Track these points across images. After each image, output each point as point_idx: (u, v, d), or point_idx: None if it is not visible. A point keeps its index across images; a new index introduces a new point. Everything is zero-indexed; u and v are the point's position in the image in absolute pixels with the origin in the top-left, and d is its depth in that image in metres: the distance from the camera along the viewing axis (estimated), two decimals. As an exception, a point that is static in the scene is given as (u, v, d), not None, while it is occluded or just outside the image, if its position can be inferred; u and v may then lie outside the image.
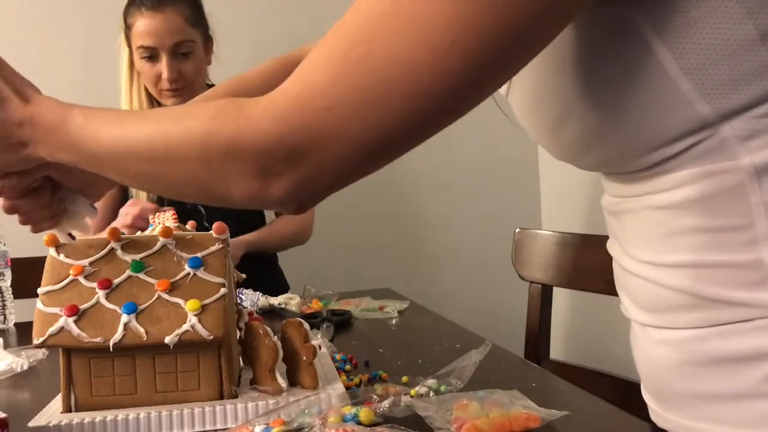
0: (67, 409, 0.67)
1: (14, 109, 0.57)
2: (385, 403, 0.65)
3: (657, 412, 0.60)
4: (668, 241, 0.52)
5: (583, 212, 2.04)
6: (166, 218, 0.80)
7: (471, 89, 0.46)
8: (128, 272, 0.69)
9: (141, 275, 0.69)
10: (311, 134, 0.46)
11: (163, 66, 1.46)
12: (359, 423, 0.62)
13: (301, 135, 0.47)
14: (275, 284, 1.60)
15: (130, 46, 1.52)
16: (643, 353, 0.60)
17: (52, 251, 0.70)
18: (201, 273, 0.69)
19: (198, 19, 1.52)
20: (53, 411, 0.67)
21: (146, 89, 1.55)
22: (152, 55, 1.47)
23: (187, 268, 0.69)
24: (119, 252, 0.71)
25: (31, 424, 0.64)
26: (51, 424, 0.63)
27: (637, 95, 0.49)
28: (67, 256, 0.70)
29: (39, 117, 0.57)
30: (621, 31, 0.48)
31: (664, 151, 0.50)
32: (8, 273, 1.27)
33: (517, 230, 1.36)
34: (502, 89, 0.61)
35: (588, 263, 1.19)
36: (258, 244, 1.53)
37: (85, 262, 0.69)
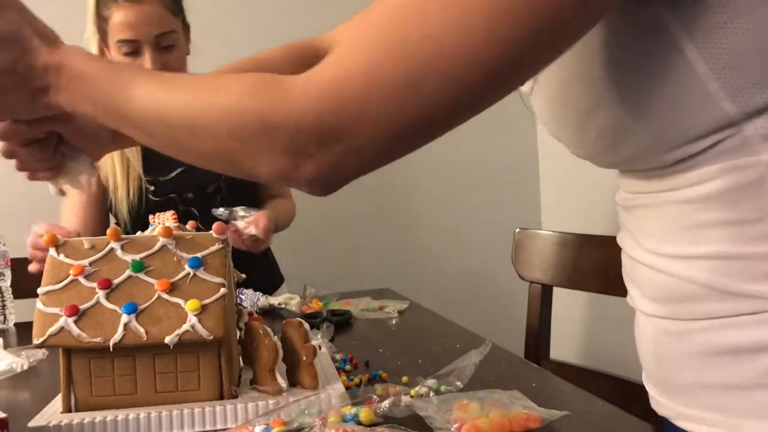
0: (67, 409, 0.67)
1: (40, 53, 0.57)
2: (385, 403, 0.65)
3: (658, 401, 0.61)
4: (688, 234, 0.53)
5: (583, 212, 2.04)
6: (166, 218, 0.80)
7: (507, 77, 0.46)
8: (128, 272, 0.69)
9: (141, 275, 0.69)
10: (346, 116, 0.46)
11: (146, 61, 1.33)
12: (359, 423, 0.62)
13: (337, 116, 0.46)
14: (272, 275, 1.59)
15: (104, 39, 1.39)
16: (648, 344, 0.60)
17: (52, 251, 0.70)
18: (201, 273, 0.69)
19: (178, 7, 1.41)
20: (53, 411, 0.67)
21: None
22: (134, 50, 1.35)
23: (187, 268, 0.69)
24: (119, 252, 0.71)
25: (31, 424, 0.64)
26: (51, 424, 0.63)
27: (665, 92, 0.50)
28: (67, 256, 0.70)
29: (68, 64, 0.56)
30: (651, 30, 0.49)
31: (688, 148, 0.51)
32: (8, 273, 1.27)
33: (517, 230, 1.36)
34: (526, 85, 0.61)
35: (588, 263, 1.19)
36: (274, 220, 1.45)
37: (85, 262, 0.69)
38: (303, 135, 0.47)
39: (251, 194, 1.61)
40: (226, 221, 1.40)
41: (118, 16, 1.34)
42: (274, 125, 0.48)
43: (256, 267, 1.52)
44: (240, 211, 1.38)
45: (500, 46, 0.44)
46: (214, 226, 0.73)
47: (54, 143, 0.65)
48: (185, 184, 1.48)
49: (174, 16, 1.39)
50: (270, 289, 1.44)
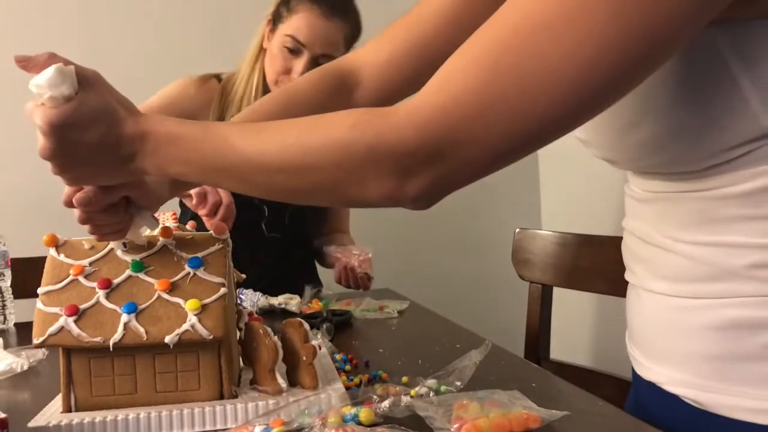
0: (67, 409, 0.67)
1: (127, 123, 0.60)
2: (385, 403, 0.65)
3: (646, 366, 0.67)
4: (712, 226, 0.58)
5: (583, 212, 2.04)
6: (166, 218, 0.80)
7: (606, 100, 0.50)
8: (128, 272, 0.69)
9: (141, 275, 0.69)
10: (452, 140, 0.50)
11: (299, 65, 1.40)
12: (359, 423, 0.62)
13: (442, 140, 0.50)
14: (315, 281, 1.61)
15: (274, 22, 1.44)
16: (649, 317, 0.66)
17: (52, 251, 0.70)
18: (201, 273, 0.69)
19: (352, 41, 1.46)
20: (53, 411, 0.67)
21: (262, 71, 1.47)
22: (295, 49, 1.40)
23: (187, 268, 0.69)
24: (119, 252, 0.71)
25: (31, 424, 0.64)
26: (51, 424, 0.63)
27: (709, 106, 0.54)
28: (67, 256, 0.70)
29: (154, 130, 0.60)
30: (702, 48, 0.53)
31: (723, 156, 0.55)
32: (8, 273, 1.27)
33: (517, 230, 1.36)
34: None
35: (588, 263, 1.19)
36: None
37: (85, 262, 0.69)
38: (408, 158, 0.51)
39: (321, 218, 1.64)
40: (331, 260, 1.48)
41: (305, 17, 1.40)
42: (381, 152, 0.52)
43: (304, 272, 1.54)
44: (353, 250, 1.46)
45: (606, 69, 0.47)
46: (215, 226, 0.73)
47: (124, 206, 0.68)
48: None
49: (344, 47, 1.44)
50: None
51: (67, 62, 0.59)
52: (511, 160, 0.52)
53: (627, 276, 0.72)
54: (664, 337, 0.64)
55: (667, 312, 0.63)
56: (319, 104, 0.77)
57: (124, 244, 0.71)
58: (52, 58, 0.59)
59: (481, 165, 0.52)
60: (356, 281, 1.42)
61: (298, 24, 1.40)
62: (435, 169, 0.51)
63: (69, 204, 0.65)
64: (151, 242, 0.72)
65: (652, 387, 0.66)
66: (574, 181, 2.07)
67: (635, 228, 0.68)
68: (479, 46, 0.50)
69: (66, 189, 0.65)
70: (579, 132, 0.67)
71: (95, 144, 0.59)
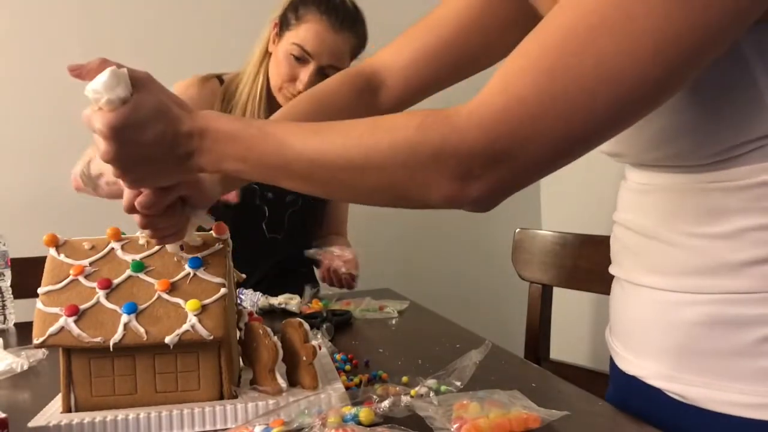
0: (67, 409, 0.67)
1: (184, 121, 0.60)
2: (385, 403, 0.65)
3: (629, 360, 0.68)
4: (711, 217, 0.59)
5: (583, 212, 2.04)
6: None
7: (666, 94, 0.51)
8: (128, 272, 0.69)
9: (141, 275, 0.69)
10: (515, 141, 0.51)
11: (304, 74, 1.40)
12: (359, 423, 0.62)
13: (505, 142, 0.51)
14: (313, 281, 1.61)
15: (281, 28, 1.43)
16: (636, 311, 0.67)
17: (52, 251, 0.70)
18: (201, 273, 0.69)
19: (357, 52, 1.46)
20: (53, 411, 0.67)
21: (266, 76, 1.47)
22: (302, 58, 1.40)
23: (187, 268, 0.69)
24: (119, 252, 0.71)
25: (31, 424, 0.64)
26: (51, 424, 0.63)
27: (725, 102, 0.56)
28: (67, 256, 0.70)
29: (212, 127, 0.60)
30: None
31: (731, 151, 0.56)
32: (8, 273, 1.27)
33: (517, 230, 1.36)
34: None
35: (588, 263, 1.19)
36: None
37: (85, 262, 0.69)
38: (472, 160, 0.52)
39: (318, 221, 1.65)
40: (315, 261, 1.48)
41: (313, 27, 1.39)
42: (446, 154, 0.52)
43: (303, 273, 1.55)
44: (335, 250, 1.45)
45: (663, 65, 0.48)
46: (215, 226, 0.73)
47: (180, 207, 0.68)
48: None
49: (350, 58, 1.44)
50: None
51: (119, 65, 0.60)
52: (572, 158, 0.53)
53: (612, 269, 0.73)
54: (650, 331, 0.65)
55: (654, 306, 0.64)
56: (349, 107, 0.80)
57: (181, 247, 0.71)
58: (104, 63, 0.60)
59: (543, 164, 0.53)
60: (340, 281, 1.43)
61: (306, 34, 1.39)
62: (498, 170, 0.52)
63: (131, 209, 0.65)
64: (150, 242, 0.72)
65: (633, 381, 0.67)
66: (574, 181, 2.07)
67: (629, 221, 0.69)
68: (538, 47, 0.51)
69: (126, 195, 0.65)
70: None
71: (154, 143, 0.60)
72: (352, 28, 1.42)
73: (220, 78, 1.53)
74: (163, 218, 0.67)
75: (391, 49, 0.83)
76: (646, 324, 0.65)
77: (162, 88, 0.62)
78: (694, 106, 0.57)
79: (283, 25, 1.44)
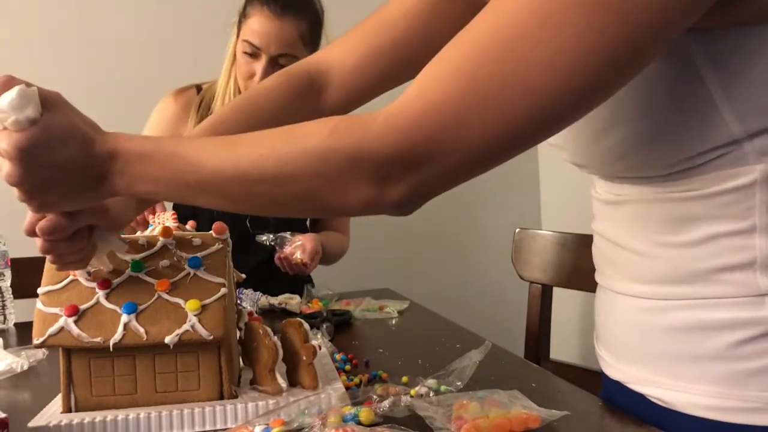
0: (67, 409, 0.67)
1: (95, 143, 0.57)
2: (385, 403, 0.65)
3: (613, 365, 0.69)
4: (678, 225, 0.59)
5: (583, 212, 2.04)
6: (166, 218, 0.80)
7: (585, 106, 0.51)
8: (128, 272, 0.69)
9: (141, 275, 0.69)
10: (432, 146, 0.50)
11: (258, 68, 1.41)
12: (359, 423, 0.62)
13: (422, 147, 0.50)
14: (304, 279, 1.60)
15: (238, 31, 1.46)
16: (617, 318, 0.68)
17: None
18: (201, 273, 0.69)
19: (312, 39, 1.45)
20: (53, 411, 0.67)
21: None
22: (253, 53, 1.41)
23: (187, 268, 0.69)
24: (119, 252, 0.71)
25: (31, 424, 0.64)
26: (51, 424, 0.63)
27: (681, 113, 0.55)
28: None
29: (122, 149, 0.57)
30: (675, 54, 0.54)
31: (691, 161, 0.56)
32: (8, 273, 1.27)
33: (517, 230, 1.36)
34: None
35: (588, 263, 1.18)
36: (323, 247, 1.48)
37: (85, 262, 0.69)
38: (388, 165, 0.51)
39: (305, 228, 1.63)
40: (273, 248, 1.44)
41: (256, 21, 1.40)
42: (361, 159, 0.51)
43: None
44: (287, 236, 1.42)
45: (586, 76, 0.47)
46: (214, 226, 0.73)
47: (87, 232, 0.65)
48: None
49: (303, 45, 1.43)
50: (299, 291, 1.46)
51: (28, 84, 0.55)
52: (491, 165, 0.52)
53: (596, 277, 0.73)
54: (630, 338, 0.65)
55: (634, 313, 0.64)
56: (286, 107, 0.77)
57: (89, 273, 0.69)
58: (10, 81, 0.56)
59: (461, 171, 0.52)
60: (291, 267, 1.40)
61: (251, 27, 1.41)
62: (415, 174, 0.51)
63: (32, 233, 0.62)
64: (150, 242, 0.72)
65: (619, 386, 0.67)
66: (574, 181, 2.07)
67: (603, 230, 0.69)
68: (459, 53, 0.50)
69: (28, 217, 0.62)
70: (559, 138, 0.67)
71: (64, 166, 0.56)
72: (297, 13, 1.41)
73: (199, 87, 1.55)
74: (68, 244, 0.63)
75: (338, 48, 0.80)
76: (626, 330, 0.66)
77: (73, 109, 0.59)
78: (650, 118, 0.57)
79: (239, 26, 1.46)
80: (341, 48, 0.79)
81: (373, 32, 0.77)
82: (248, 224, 1.51)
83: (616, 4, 0.45)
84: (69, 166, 0.57)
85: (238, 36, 1.46)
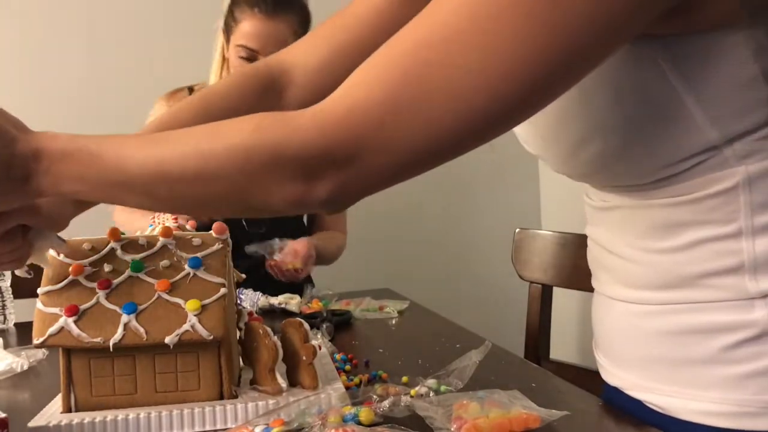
0: (67, 409, 0.67)
1: (18, 142, 0.55)
2: (385, 403, 0.65)
3: (611, 372, 0.69)
4: (665, 231, 0.59)
5: (583, 212, 2.04)
6: (166, 218, 0.80)
7: (518, 113, 0.50)
8: (128, 272, 0.69)
9: (141, 275, 0.69)
10: (358, 145, 0.49)
11: None
12: (359, 423, 0.62)
13: (349, 145, 0.49)
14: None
15: (227, 37, 1.45)
16: (612, 323, 0.67)
17: (51, 251, 0.70)
18: (201, 273, 0.69)
19: (303, 32, 1.44)
20: (53, 411, 0.67)
21: None
22: (250, 57, 1.40)
23: (187, 268, 0.69)
24: (119, 252, 0.71)
25: (31, 424, 0.64)
26: (51, 424, 0.63)
27: (656, 121, 0.55)
28: (67, 256, 0.70)
29: (46, 147, 0.55)
30: (644, 65, 0.54)
31: (671, 169, 0.56)
32: (8, 273, 1.27)
33: (517, 230, 1.36)
34: None
35: (588, 263, 1.19)
36: (318, 249, 1.48)
37: (85, 262, 0.69)
38: (314, 161, 0.50)
39: (302, 224, 1.62)
40: (263, 257, 1.42)
41: (248, 24, 1.40)
42: (285, 156, 0.50)
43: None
44: (276, 243, 1.40)
45: (518, 83, 0.46)
46: (214, 226, 0.73)
47: (20, 232, 0.63)
48: None
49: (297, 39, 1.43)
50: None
51: None
52: (422, 169, 0.51)
53: (592, 282, 0.72)
54: (626, 343, 0.65)
55: (628, 318, 0.64)
56: (242, 108, 0.73)
57: (29, 272, 0.68)
58: None
59: (389, 172, 0.51)
60: (282, 273, 1.40)
61: (244, 31, 1.40)
62: (341, 172, 0.50)
63: None
64: (150, 242, 0.72)
65: (617, 392, 0.67)
66: (573, 181, 2.07)
67: (595, 236, 0.69)
68: (389, 55, 0.50)
69: None
70: (530, 147, 0.67)
71: None
72: (287, 10, 1.41)
73: (191, 89, 1.55)
74: (1, 245, 0.62)
75: (301, 47, 0.78)
76: (621, 336, 0.66)
77: None
78: (625, 129, 0.57)
79: (227, 31, 1.45)
80: (304, 47, 0.78)
81: (337, 32, 0.76)
82: (243, 221, 1.50)
83: (551, 12, 0.44)
84: None
85: (228, 41, 1.45)
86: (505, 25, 0.45)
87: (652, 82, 0.54)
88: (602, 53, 0.48)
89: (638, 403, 0.64)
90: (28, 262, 0.67)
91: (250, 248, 1.42)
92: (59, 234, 0.68)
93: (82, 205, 0.68)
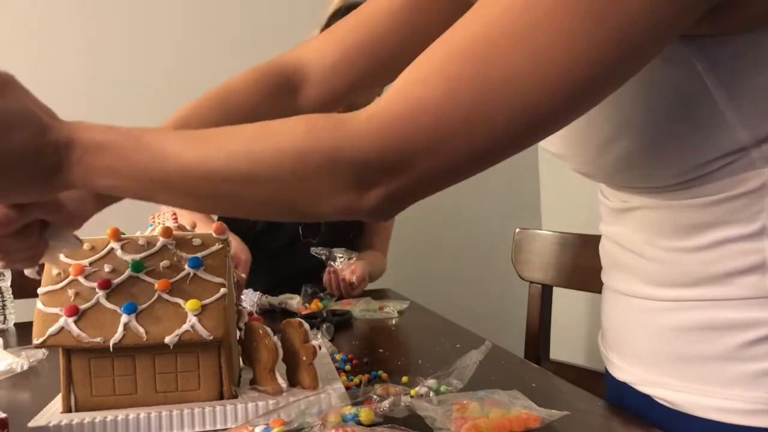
0: (67, 409, 0.67)
1: (51, 130, 0.52)
2: (385, 403, 0.65)
3: (620, 367, 0.68)
4: (689, 231, 0.59)
5: (583, 212, 2.04)
6: (166, 218, 0.80)
7: (572, 110, 0.49)
8: (128, 272, 0.69)
9: (141, 275, 0.69)
10: (414, 149, 0.48)
11: None
12: (359, 423, 0.62)
13: (404, 150, 0.48)
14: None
15: None
16: (625, 319, 0.67)
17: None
18: (201, 273, 0.69)
19: None
20: (53, 411, 0.67)
21: None
22: None
23: (187, 268, 0.69)
24: (119, 252, 0.71)
25: (31, 424, 0.64)
26: (51, 424, 0.63)
27: (686, 121, 0.54)
28: (67, 256, 0.70)
29: (80, 138, 0.53)
30: (677, 63, 0.53)
31: (699, 170, 0.56)
32: (8, 273, 1.27)
33: (517, 230, 1.36)
34: None
35: (588, 263, 1.19)
36: (369, 273, 1.47)
37: (85, 262, 0.69)
38: (368, 168, 0.49)
39: (358, 230, 1.64)
40: (325, 262, 1.44)
41: None
42: (340, 161, 0.48)
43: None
44: (338, 253, 1.42)
45: (574, 79, 0.46)
46: (214, 226, 0.73)
47: (38, 228, 0.60)
48: None
49: None
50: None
51: None
52: (474, 171, 0.51)
53: (603, 277, 0.72)
54: (637, 339, 0.65)
55: (641, 314, 0.64)
56: (259, 104, 0.74)
57: (39, 272, 0.67)
58: None
59: (443, 177, 0.50)
60: (338, 286, 1.40)
61: None
62: (395, 180, 0.49)
63: None
64: (150, 242, 0.72)
65: (626, 388, 0.67)
66: (574, 181, 2.07)
67: (613, 234, 0.69)
68: (443, 53, 0.49)
69: None
70: (553, 147, 0.66)
71: (16, 153, 0.51)
72: None
73: None
74: (16, 240, 0.58)
75: (316, 45, 0.77)
76: (633, 331, 0.66)
77: (28, 92, 0.53)
78: (655, 128, 0.56)
79: None
80: (320, 45, 0.77)
81: (352, 30, 0.75)
82: (300, 230, 1.52)
83: (606, 8, 0.44)
84: (19, 154, 0.51)
85: None
86: (561, 20, 0.45)
87: (684, 82, 0.53)
88: (653, 51, 0.48)
89: (647, 399, 0.64)
90: (40, 261, 0.64)
91: (317, 249, 1.44)
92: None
93: (102, 203, 0.66)
